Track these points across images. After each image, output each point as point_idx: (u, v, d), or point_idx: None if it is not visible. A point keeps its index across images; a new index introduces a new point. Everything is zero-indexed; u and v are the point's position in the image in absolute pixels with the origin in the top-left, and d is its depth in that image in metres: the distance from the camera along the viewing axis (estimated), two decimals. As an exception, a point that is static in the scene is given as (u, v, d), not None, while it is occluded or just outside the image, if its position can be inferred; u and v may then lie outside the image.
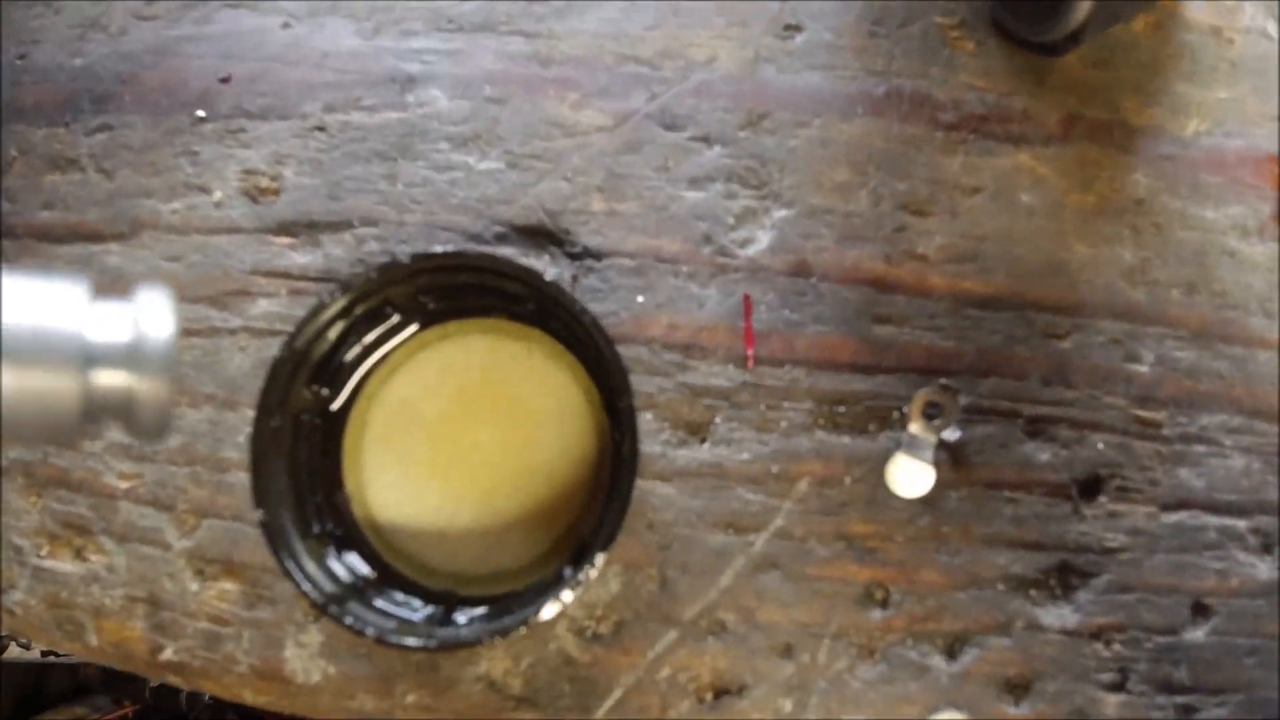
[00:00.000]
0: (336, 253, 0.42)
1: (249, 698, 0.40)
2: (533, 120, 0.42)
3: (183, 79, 0.45)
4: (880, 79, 0.41)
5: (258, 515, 0.34)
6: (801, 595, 0.38)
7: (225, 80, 0.44)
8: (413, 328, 0.39)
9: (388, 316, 0.38)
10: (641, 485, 0.38)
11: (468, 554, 0.38)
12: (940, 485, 0.38)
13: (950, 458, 0.39)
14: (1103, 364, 0.40)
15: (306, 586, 0.34)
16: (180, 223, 0.43)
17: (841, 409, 0.39)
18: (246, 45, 0.44)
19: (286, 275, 0.42)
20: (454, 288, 0.37)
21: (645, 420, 0.39)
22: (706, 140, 0.41)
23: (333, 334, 0.37)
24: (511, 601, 0.36)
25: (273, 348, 0.41)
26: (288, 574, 0.34)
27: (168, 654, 0.41)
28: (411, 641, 0.33)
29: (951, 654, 0.38)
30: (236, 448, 0.41)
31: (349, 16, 0.44)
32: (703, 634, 0.38)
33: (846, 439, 0.39)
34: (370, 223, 0.42)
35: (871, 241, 0.40)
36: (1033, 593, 0.38)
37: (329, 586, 0.35)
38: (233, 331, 0.42)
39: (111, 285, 0.43)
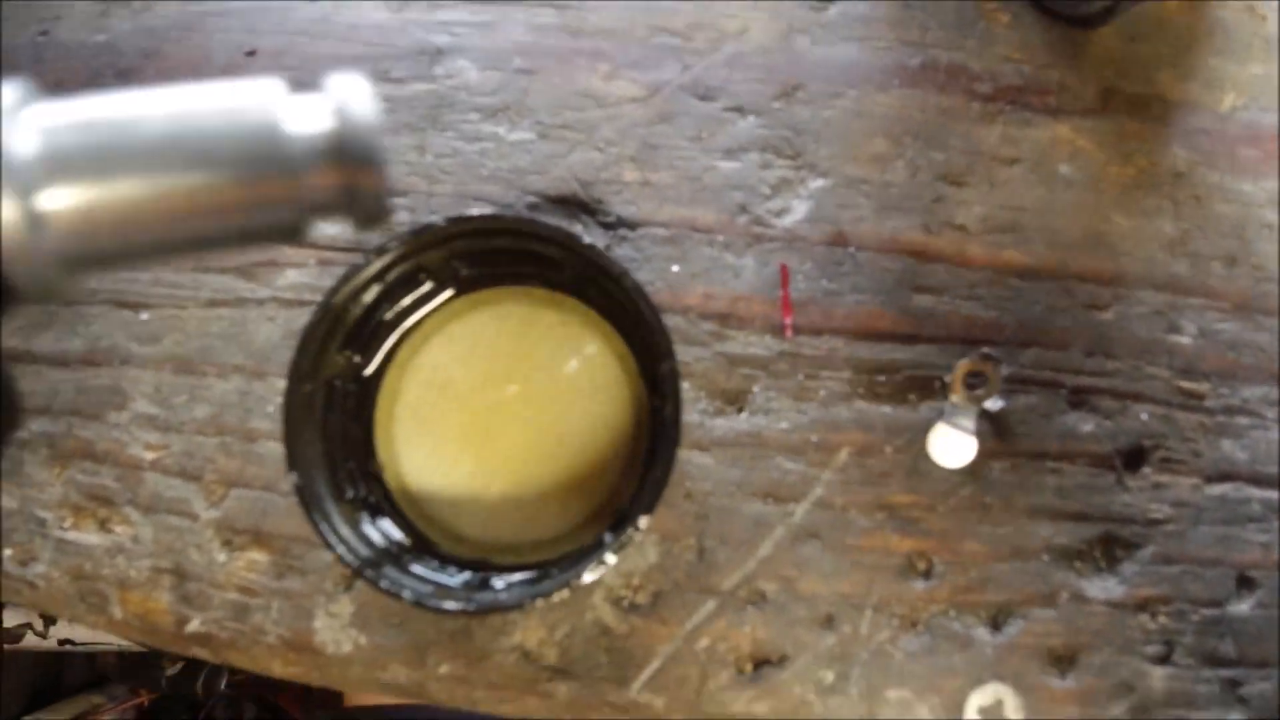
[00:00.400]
0: (367, 223, 0.41)
1: (278, 669, 0.40)
2: (563, 91, 0.41)
3: (207, 53, 0.44)
4: (915, 50, 0.41)
5: (291, 479, 0.33)
6: (842, 566, 0.38)
7: (251, 54, 0.44)
8: (446, 294, 0.38)
9: (421, 282, 0.37)
10: (679, 455, 0.38)
11: (503, 523, 0.38)
12: (983, 456, 0.38)
13: (992, 428, 0.38)
14: (1144, 335, 0.39)
15: (341, 550, 0.33)
16: (208, 194, 0.42)
17: (881, 378, 0.39)
18: (272, 19, 0.44)
19: (314, 246, 0.41)
20: (489, 253, 0.37)
21: (683, 390, 0.38)
22: (740, 111, 0.41)
23: (367, 298, 0.36)
24: (548, 569, 0.36)
25: (302, 318, 0.41)
26: (322, 537, 0.33)
27: (194, 625, 0.40)
28: (449, 605, 0.32)
29: (996, 625, 0.38)
30: (266, 418, 0.40)
31: (379, -11, 0.44)
32: (742, 604, 0.38)
33: (887, 409, 0.38)
34: (400, 193, 0.41)
35: (910, 212, 0.40)
36: (1077, 564, 0.38)
37: (364, 551, 0.34)
38: (261, 302, 0.41)
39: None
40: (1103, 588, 0.38)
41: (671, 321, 0.39)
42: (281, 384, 0.40)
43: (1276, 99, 0.42)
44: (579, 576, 0.32)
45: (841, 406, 0.38)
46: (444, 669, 0.38)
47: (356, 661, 0.39)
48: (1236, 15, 0.42)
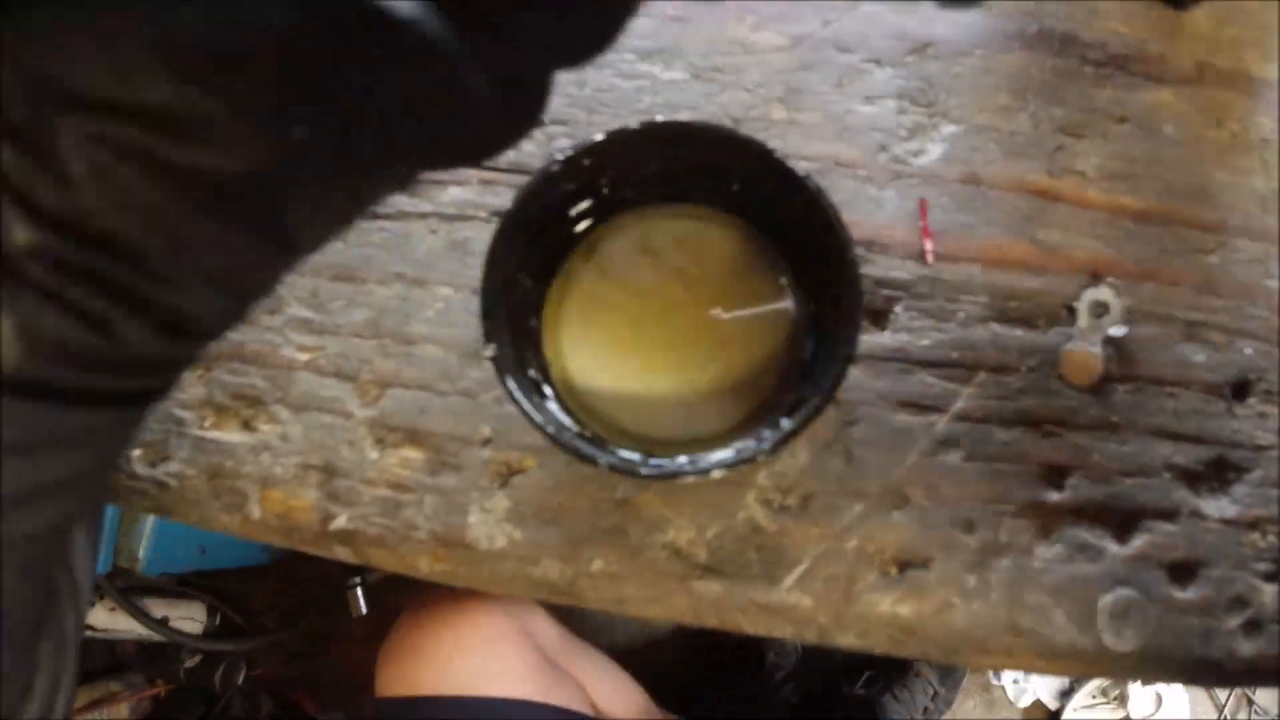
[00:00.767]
0: (527, 147, 0.43)
1: (424, 567, 0.40)
2: (714, 38, 0.45)
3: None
4: (1032, 19, 0.45)
5: (488, 351, 0.35)
6: (982, 475, 0.40)
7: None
8: (617, 204, 0.40)
9: (598, 189, 0.39)
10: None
11: (663, 420, 0.39)
12: (1107, 378, 0.41)
13: (1115, 353, 0.41)
14: (1245, 279, 0.43)
15: (537, 418, 0.34)
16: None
17: (1014, 304, 0.41)
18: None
19: (477, 165, 0.43)
20: (661, 165, 0.39)
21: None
22: (877, 63, 0.44)
23: (548, 199, 0.38)
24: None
25: (464, 230, 0.43)
26: (516, 402, 0.34)
27: (340, 522, 0.40)
28: (644, 470, 0.34)
29: (1121, 538, 0.40)
30: (425, 323, 0.42)
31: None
32: (888, 509, 0.39)
33: (1019, 331, 0.41)
34: (560, 122, 0.44)
35: (1033, 158, 0.43)
36: (1194, 483, 0.40)
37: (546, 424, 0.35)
38: (423, 215, 0.43)
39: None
40: (1217, 506, 0.40)
41: (820, 244, 0.42)
42: (444, 291, 0.42)
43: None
44: (770, 447, 0.34)
45: (978, 328, 0.41)
46: (596, 565, 0.39)
47: (509, 556, 0.40)
48: (1305, 12, 0.48)
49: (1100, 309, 0.41)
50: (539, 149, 0.43)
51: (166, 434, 0.42)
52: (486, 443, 0.42)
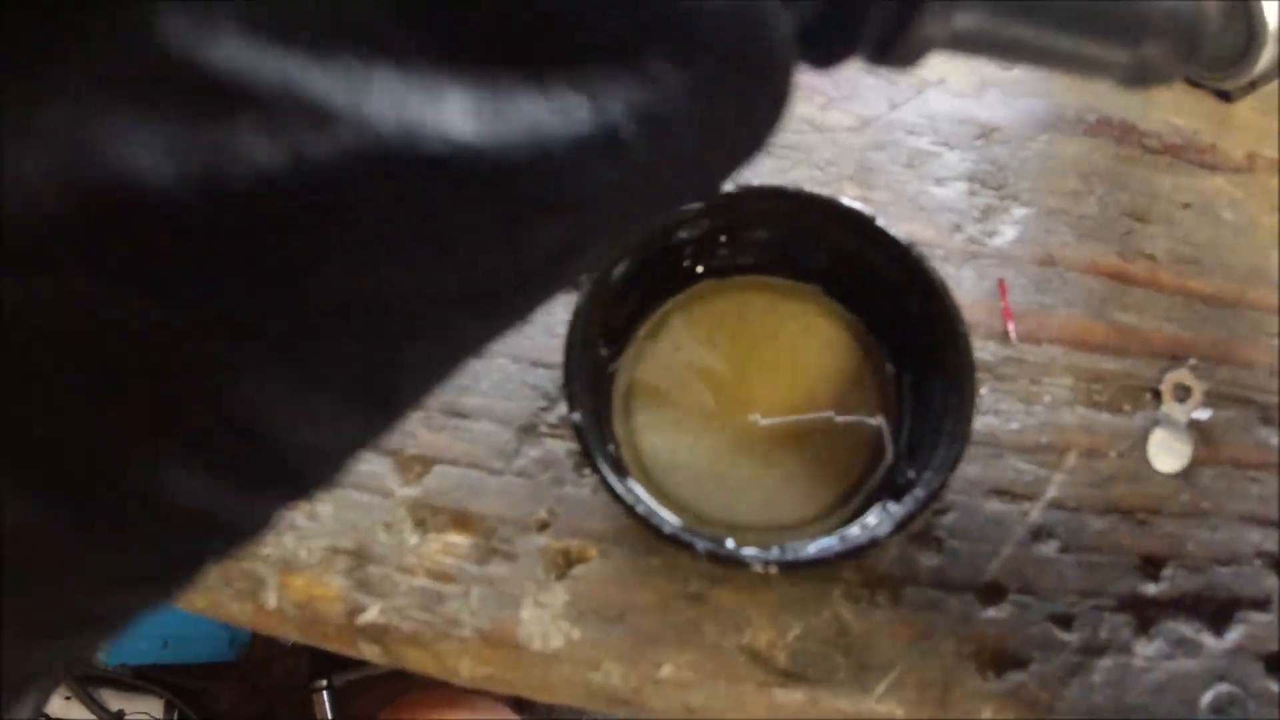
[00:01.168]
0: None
1: (465, 671, 0.36)
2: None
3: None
4: (1091, 109, 0.46)
5: (573, 417, 0.32)
6: (1080, 567, 0.38)
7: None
8: (696, 275, 0.39)
9: (682, 258, 0.38)
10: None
11: (743, 505, 0.37)
12: (1195, 463, 0.40)
13: (1201, 437, 0.41)
14: (1312, 363, 0.43)
15: (620, 490, 0.32)
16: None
17: (1098, 386, 0.41)
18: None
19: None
20: (746, 234, 0.38)
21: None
22: (946, 145, 0.44)
23: (636, 262, 0.37)
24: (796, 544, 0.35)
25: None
26: (602, 477, 0.32)
27: (370, 615, 0.37)
28: (754, 557, 0.31)
29: (1217, 629, 0.38)
30: (480, 394, 0.39)
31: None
32: (983, 604, 0.37)
33: (1106, 415, 0.40)
34: (630, 195, 0.42)
35: (1105, 241, 0.43)
36: (1285, 572, 0.40)
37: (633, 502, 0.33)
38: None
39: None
40: (1309, 596, 0.39)
41: (902, 324, 0.41)
42: (500, 362, 0.40)
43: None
44: (885, 532, 0.32)
45: (1065, 410, 0.40)
46: (665, 670, 0.36)
47: (566, 659, 0.36)
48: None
49: (1183, 392, 0.41)
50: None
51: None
52: (544, 527, 0.39)
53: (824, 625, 0.37)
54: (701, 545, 0.31)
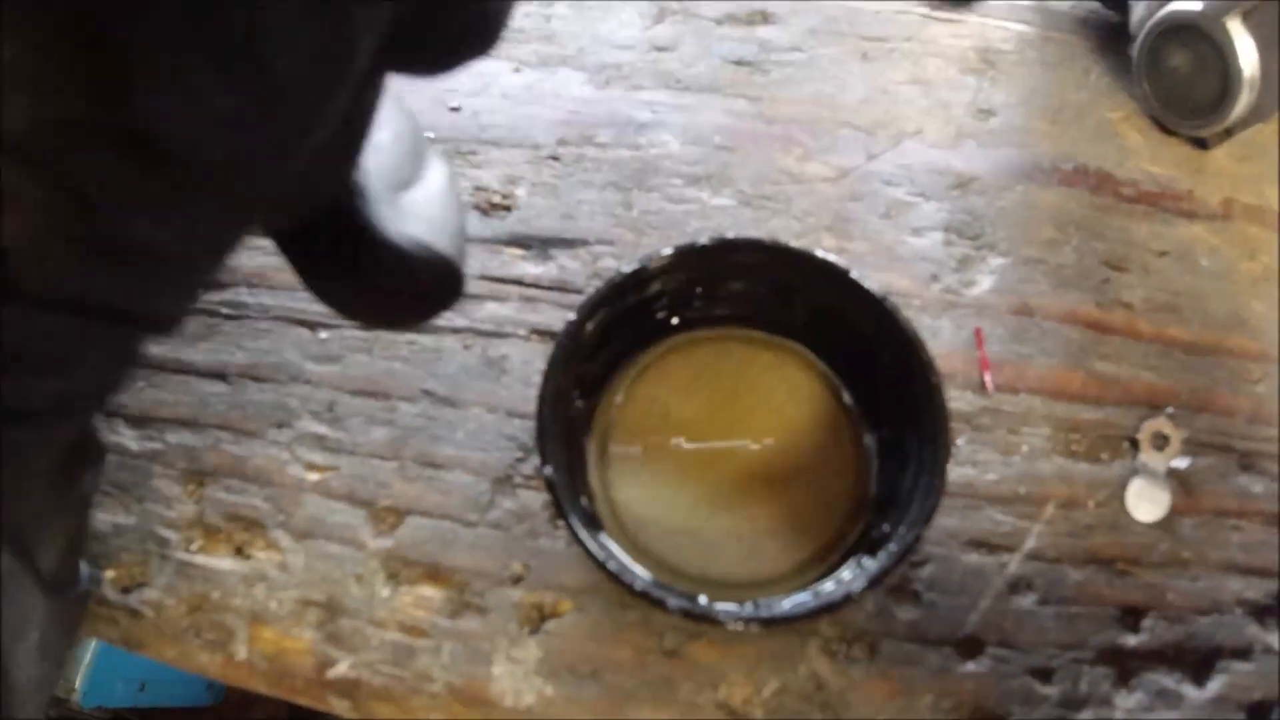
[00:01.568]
0: (572, 265, 0.42)
1: (443, 729, 0.36)
2: (762, 167, 0.45)
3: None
4: (1067, 158, 0.47)
5: (545, 471, 0.32)
6: (1059, 619, 0.38)
7: (455, 110, 0.46)
8: (672, 326, 0.39)
9: (656, 309, 0.38)
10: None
11: (720, 559, 0.37)
12: (1174, 512, 0.40)
13: (1180, 486, 0.40)
14: (1292, 410, 0.43)
15: (592, 546, 0.32)
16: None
17: (1076, 436, 0.41)
18: (476, 82, 0.47)
19: (519, 282, 0.42)
20: (722, 286, 0.38)
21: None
22: (923, 196, 0.45)
23: (612, 311, 0.37)
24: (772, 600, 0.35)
25: (500, 348, 0.41)
26: (574, 533, 0.32)
27: (340, 669, 0.36)
28: (732, 614, 0.31)
29: (1199, 680, 0.38)
30: (454, 444, 0.39)
31: (579, 69, 0.47)
32: (961, 658, 0.37)
33: (1084, 465, 0.40)
34: (606, 241, 0.43)
35: (1082, 290, 0.43)
36: (1264, 618, 0.39)
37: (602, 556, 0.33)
38: (456, 330, 0.41)
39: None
40: (1292, 647, 0.39)
41: (879, 374, 0.41)
42: (476, 412, 0.40)
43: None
44: (860, 586, 0.31)
45: (1043, 461, 0.40)
46: (644, 726, 0.36)
47: (538, 716, 0.36)
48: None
49: (1161, 441, 0.41)
50: (584, 267, 0.42)
51: (146, 555, 0.38)
52: (518, 581, 0.39)
53: (801, 681, 0.37)
54: (674, 603, 0.31)
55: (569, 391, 0.37)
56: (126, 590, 0.37)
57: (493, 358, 0.41)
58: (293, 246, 0.20)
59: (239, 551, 0.38)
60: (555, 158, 0.45)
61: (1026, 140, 0.47)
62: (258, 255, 0.43)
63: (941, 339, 0.42)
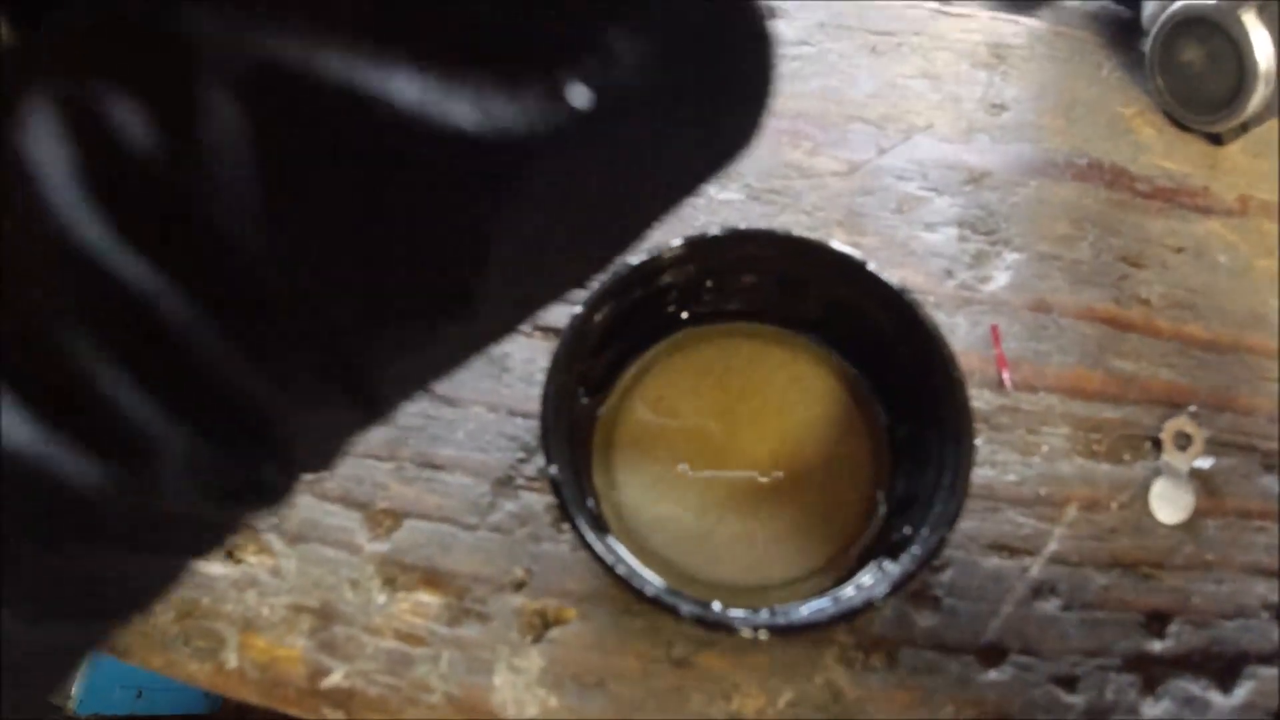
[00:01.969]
0: (579, 266, 0.41)
1: (443, 740, 0.34)
2: (770, 162, 0.44)
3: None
4: (1081, 153, 0.46)
5: (550, 471, 0.31)
6: (1083, 625, 0.37)
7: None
8: (681, 321, 0.38)
9: (666, 303, 0.37)
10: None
11: (730, 564, 0.35)
12: (1198, 513, 0.39)
13: (1203, 487, 0.39)
14: (1314, 409, 0.42)
15: (600, 550, 0.30)
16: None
17: (1097, 435, 0.39)
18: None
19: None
20: (731, 280, 0.37)
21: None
22: (936, 190, 0.44)
23: (620, 305, 0.35)
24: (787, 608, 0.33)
25: (502, 345, 0.39)
26: (581, 536, 0.30)
27: (334, 678, 0.35)
28: (746, 622, 0.29)
29: (1225, 686, 0.37)
30: (454, 445, 0.38)
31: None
32: (983, 665, 0.36)
33: (1105, 465, 0.39)
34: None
35: (1100, 286, 0.42)
36: (1295, 627, 0.38)
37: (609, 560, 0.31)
38: (466, 336, 0.40)
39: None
40: (1320, 653, 0.38)
41: (894, 372, 0.39)
42: (476, 411, 0.38)
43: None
44: (881, 593, 0.30)
45: (1064, 461, 0.39)
46: (653, 739, 0.34)
47: (544, 728, 0.35)
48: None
49: (1184, 440, 0.39)
50: (591, 268, 0.41)
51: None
52: (520, 587, 0.37)
53: (817, 691, 0.35)
54: (686, 609, 0.30)
55: (574, 388, 0.35)
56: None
57: (494, 355, 0.40)
58: None
59: (230, 556, 0.36)
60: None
61: (1039, 135, 0.46)
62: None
63: (957, 336, 0.41)
